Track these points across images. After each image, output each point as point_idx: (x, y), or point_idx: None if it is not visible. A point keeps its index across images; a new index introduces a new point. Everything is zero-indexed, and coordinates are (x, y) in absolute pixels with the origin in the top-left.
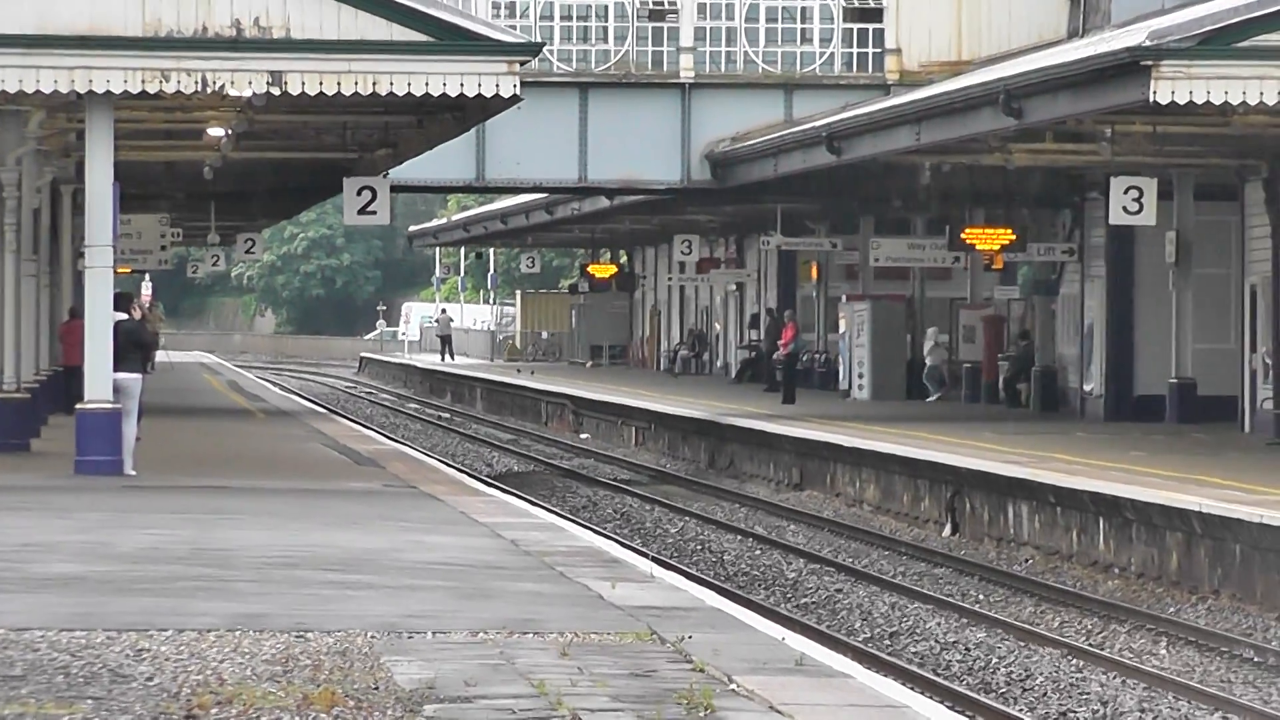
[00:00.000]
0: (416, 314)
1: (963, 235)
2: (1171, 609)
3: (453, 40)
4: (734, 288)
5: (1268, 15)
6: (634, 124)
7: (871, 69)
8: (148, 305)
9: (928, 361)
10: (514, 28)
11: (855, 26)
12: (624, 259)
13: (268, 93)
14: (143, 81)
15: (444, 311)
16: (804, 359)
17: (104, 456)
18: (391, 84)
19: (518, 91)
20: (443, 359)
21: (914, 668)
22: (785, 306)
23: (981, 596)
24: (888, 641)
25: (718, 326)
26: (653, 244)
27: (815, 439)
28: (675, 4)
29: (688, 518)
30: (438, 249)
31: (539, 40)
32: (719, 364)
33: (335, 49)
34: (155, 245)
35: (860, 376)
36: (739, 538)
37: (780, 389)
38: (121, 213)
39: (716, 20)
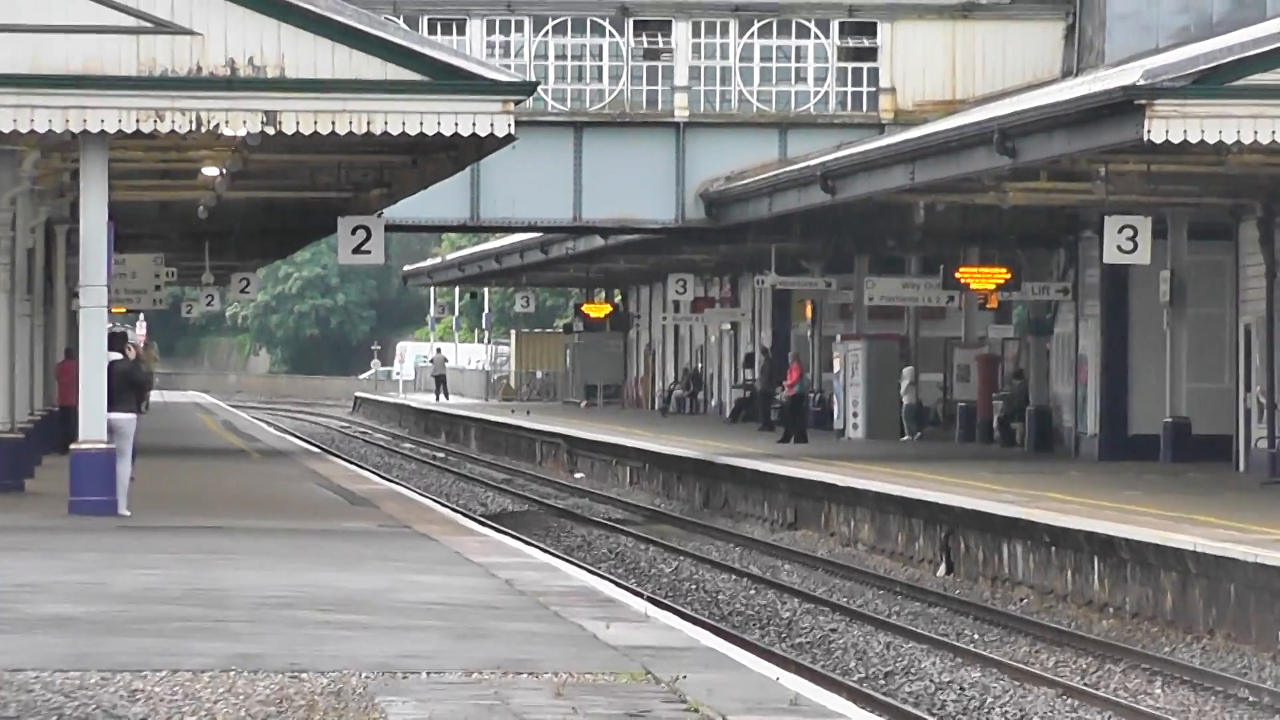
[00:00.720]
0: (411, 354)
1: (957, 274)
2: (1167, 649)
3: (447, 80)
4: (728, 327)
5: (1262, 55)
6: (628, 163)
7: (866, 108)
8: (142, 345)
9: (904, 400)
10: (508, 67)
11: (849, 66)
12: (618, 298)
13: (262, 132)
14: (137, 121)
15: (439, 351)
16: (813, 398)
17: (98, 497)
18: (386, 124)
19: (512, 131)
20: (437, 399)
21: (909, 708)
22: (780, 346)
23: (976, 636)
24: (883, 681)
25: (698, 364)
26: (647, 283)
27: (810, 478)
28: (670, 43)
29: (682, 557)
30: (432, 288)
31: (533, 80)
32: (714, 403)
33: (330, 88)
34: (150, 285)
35: (855, 415)
36: (734, 577)
37: (775, 428)
38: (116, 252)
39: (711, 60)
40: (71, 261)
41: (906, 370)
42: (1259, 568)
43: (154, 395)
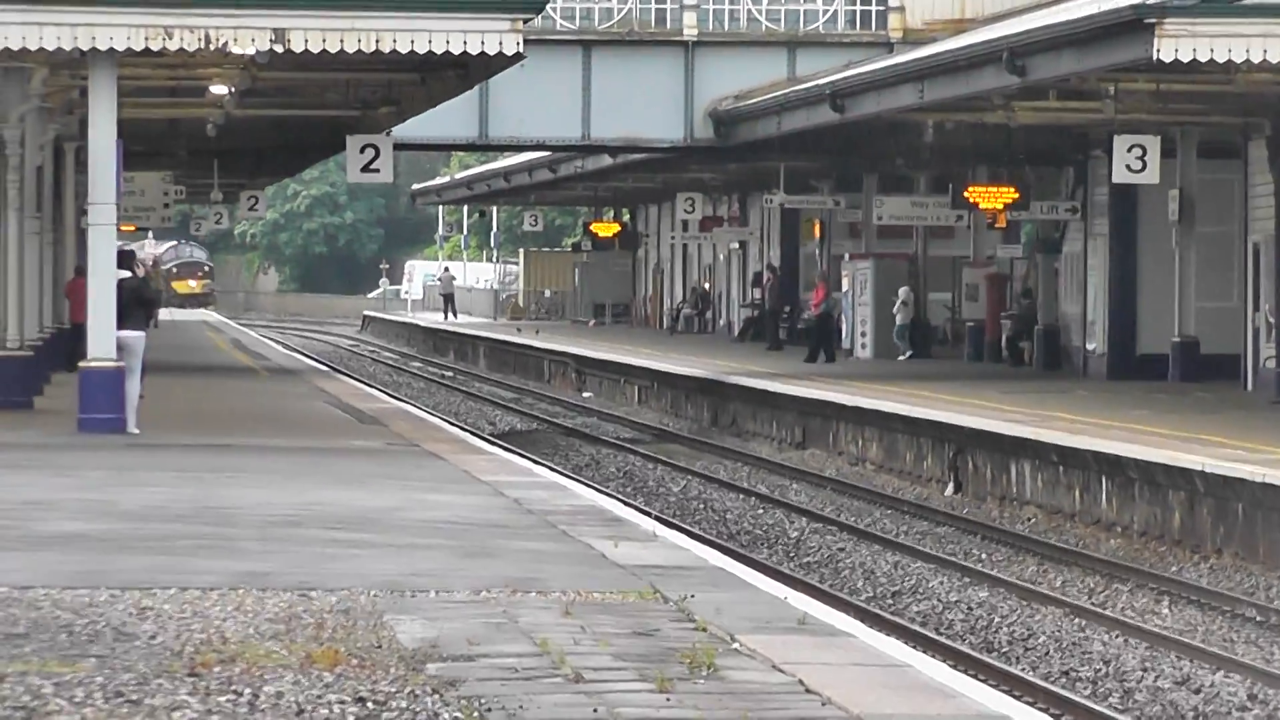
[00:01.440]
0: (419, 272)
1: (966, 194)
2: (1174, 568)
3: None
4: (736, 246)
5: None
6: (637, 82)
7: (875, 27)
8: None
9: (896, 320)
10: None
11: None
12: (627, 217)
13: (271, 50)
14: (146, 38)
15: (446, 270)
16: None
17: (107, 414)
18: (395, 42)
19: (520, 49)
20: (445, 317)
21: (916, 627)
22: (789, 265)
23: (984, 556)
24: (890, 601)
25: (705, 283)
26: (656, 202)
27: (817, 398)
28: None
29: (690, 476)
30: (441, 207)
31: None
32: (722, 322)
33: (339, 6)
34: (158, 203)
35: (863, 335)
36: (741, 496)
37: (784, 347)
38: (125, 170)
39: None
40: (80, 179)
41: (902, 290)
42: (1266, 487)
43: (163, 313)
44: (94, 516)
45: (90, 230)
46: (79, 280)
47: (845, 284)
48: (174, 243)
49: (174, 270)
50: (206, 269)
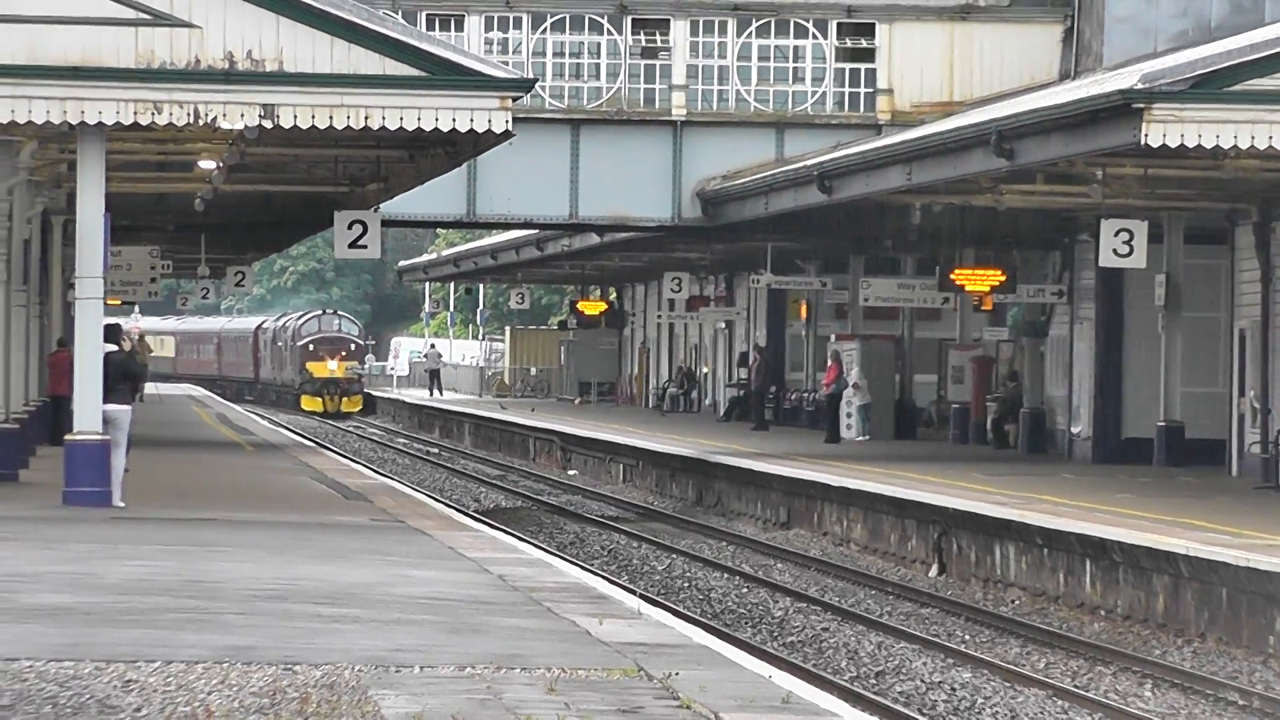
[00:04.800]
0: (405, 349)
1: (952, 276)
2: (1158, 651)
3: (445, 75)
4: (723, 325)
5: (1260, 60)
6: (625, 161)
7: (863, 109)
8: (137, 337)
9: (855, 402)
10: (506, 64)
11: (847, 66)
12: (613, 296)
13: (260, 125)
14: (135, 113)
15: (433, 346)
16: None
17: (93, 488)
18: (384, 118)
19: (509, 127)
20: (430, 394)
21: (900, 707)
22: (775, 345)
23: (968, 636)
24: (874, 680)
25: (705, 368)
26: (642, 281)
27: (803, 478)
28: (668, 42)
29: (675, 555)
30: (427, 284)
31: (531, 77)
32: (707, 401)
33: (328, 83)
34: (145, 277)
35: (849, 416)
36: (726, 575)
37: (769, 427)
38: (112, 244)
39: (708, 58)
40: (68, 252)
41: (854, 371)
42: (1251, 572)
43: (148, 387)
44: (79, 589)
45: (77, 304)
46: (60, 353)
47: (855, 370)
48: (317, 312)
49: (311, 348)
50: (354, 347)
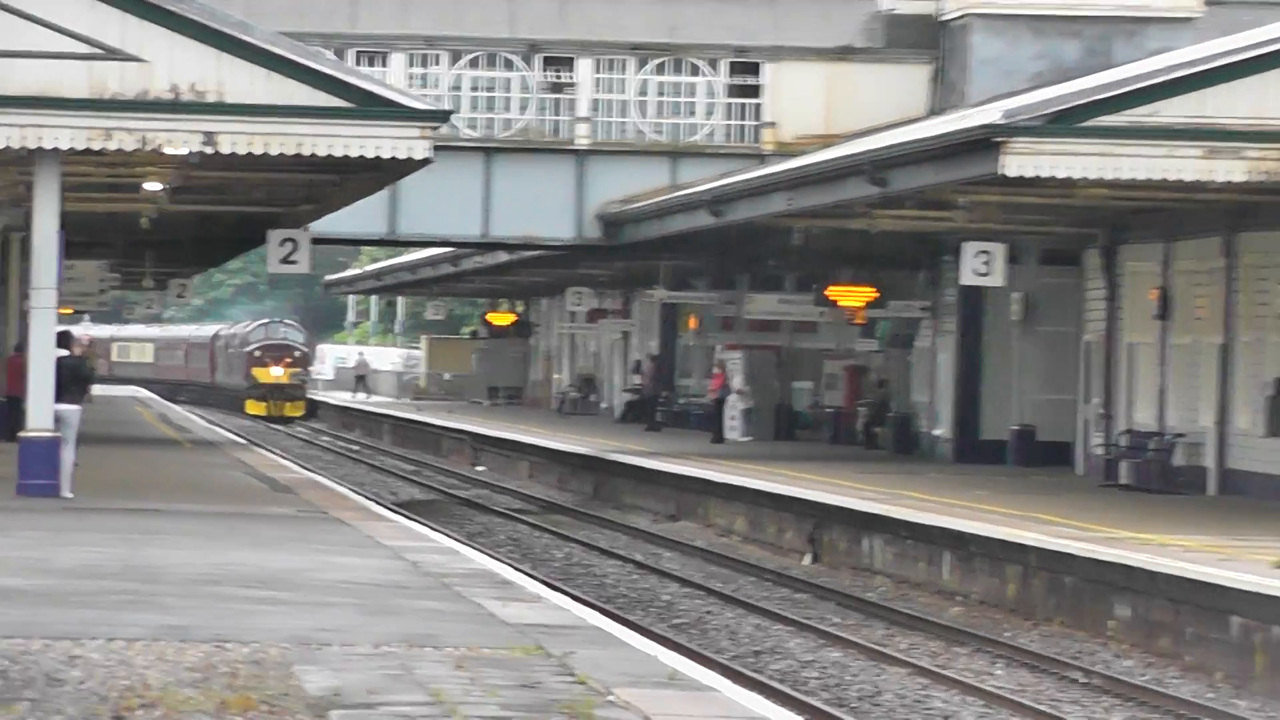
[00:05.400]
0: (331, 355)
1: (828, 292)
2: (1009, 634)
3: (370, 107)
4: (620, 336)
5: (1109, 99)
6: (533, 186)
7: (750, 140)
8: (87, 343)
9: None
10: (426, 97)
11: (736, 101)
12: (521, 308)
13: (201, 152)
14: (88, 139)
15: (361, 355)
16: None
17: (44, 480)
18: (314, 146)
19: (429, 154)
20: (354, 395)
21: (775, 684)
22: (667, 355)
23: (838, 620)
24: (752, 659)
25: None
26: (548, 295)
27: (691, 474)
28: (573, 78)
29: (573, 544)
30: (351, 296)
31: (449, 108)
32: (604, 405)
33: (263, 113)
34: (95, 289)
35: (733, 419)
36: (619, 563)
37: (660, 428)
38: (65, 258)
39: (610, 93)
40: (24, 266)
41: (736, 379)
42: (1093, 562)
43: (96, 389)
44: (30, 573)
45: (32, 313)
46: (16, 357)
47: (739, 378)
48: (264, 320)
49: (257, 354)
50: (298, 354)
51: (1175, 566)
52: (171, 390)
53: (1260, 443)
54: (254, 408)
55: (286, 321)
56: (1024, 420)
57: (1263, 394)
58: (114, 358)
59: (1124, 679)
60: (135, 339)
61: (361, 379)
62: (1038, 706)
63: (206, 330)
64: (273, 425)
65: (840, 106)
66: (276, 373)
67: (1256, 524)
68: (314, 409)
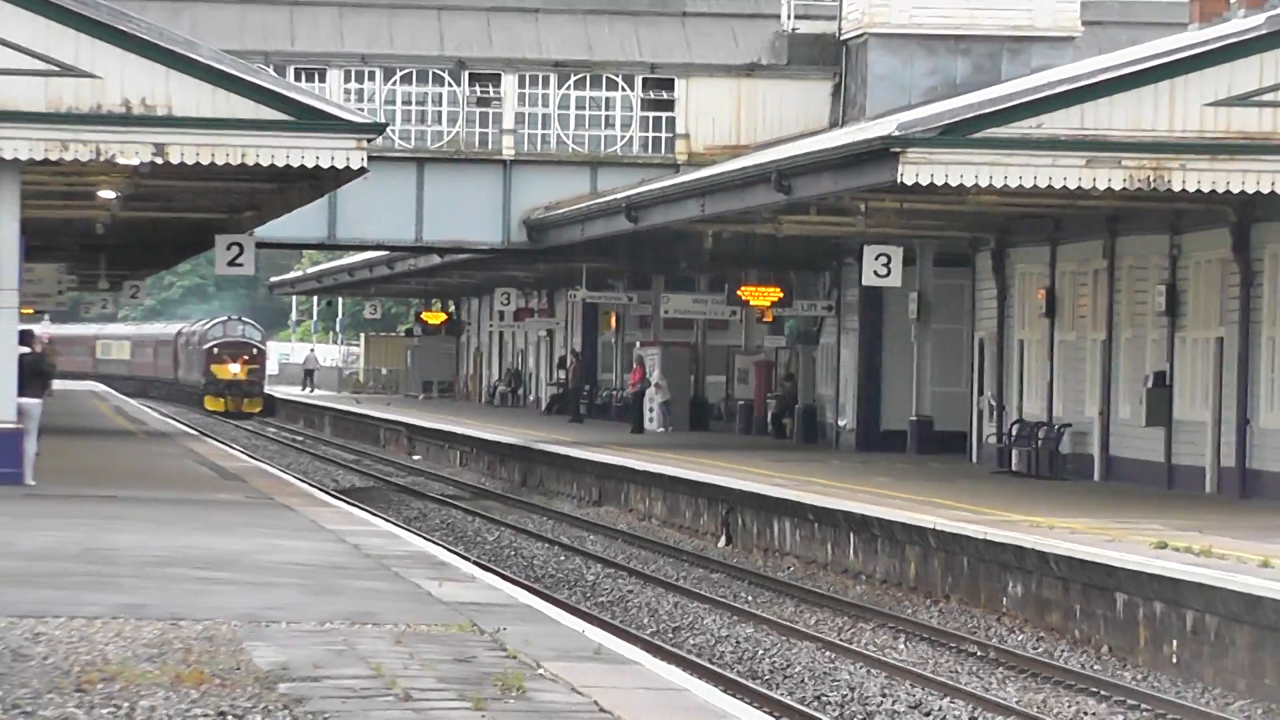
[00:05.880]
0: (275, 352)
1: (739, 292)
2: (910, 610)
3: (309, 120)
4: (545, 333)
5: (997, 112)
6: (462, 193)
7: (664, 151)
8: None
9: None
10: (361, 110)
11: (650, 114)
12: (452, 308)
13: (152, 162)
14: (45, 150)
15: (312, 351)
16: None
17: (7, 469)
18: (257, 156)
19: (364, 164)
20: (302, 389)
21: (693, 657)
22: (589, 350)
23: (750, 597)
24: (671, 635)
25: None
26: (477, 295)
27: (612, 463)
28: (499, 93)
29: (504, 528)
30: (294, 296)
31: (383, 121)
32: (531, 398)
33: (210, 125)
34: (53, 290)
35: (651, 410)
36: (547, 545)
37: (583, 420)
38: (25, 261)
39: (534, 107)
40: None
41: (655, 373)
42: (987, 543)
43: (56, 384)
44: None
45: None
46: None
47: (656, 372)
48: (222, 319)
49: (215, 351)
50: (255, 351)
51: (1064, 547)
52: (143, 386)
53: (1141, 431)
54: (213, 404)
55: (245, 320)
56: (922, 411)
57: (1143, 386)
58: (98, 355)
59: (1017, 652)
60: (116, 337)
61: (310, 373)
62: (937, 678)
63: (172, 329)
64: (216, 415)
65: (748, 119)
66: (234, 369)
67: (1138, 507)
68: (272, 406)
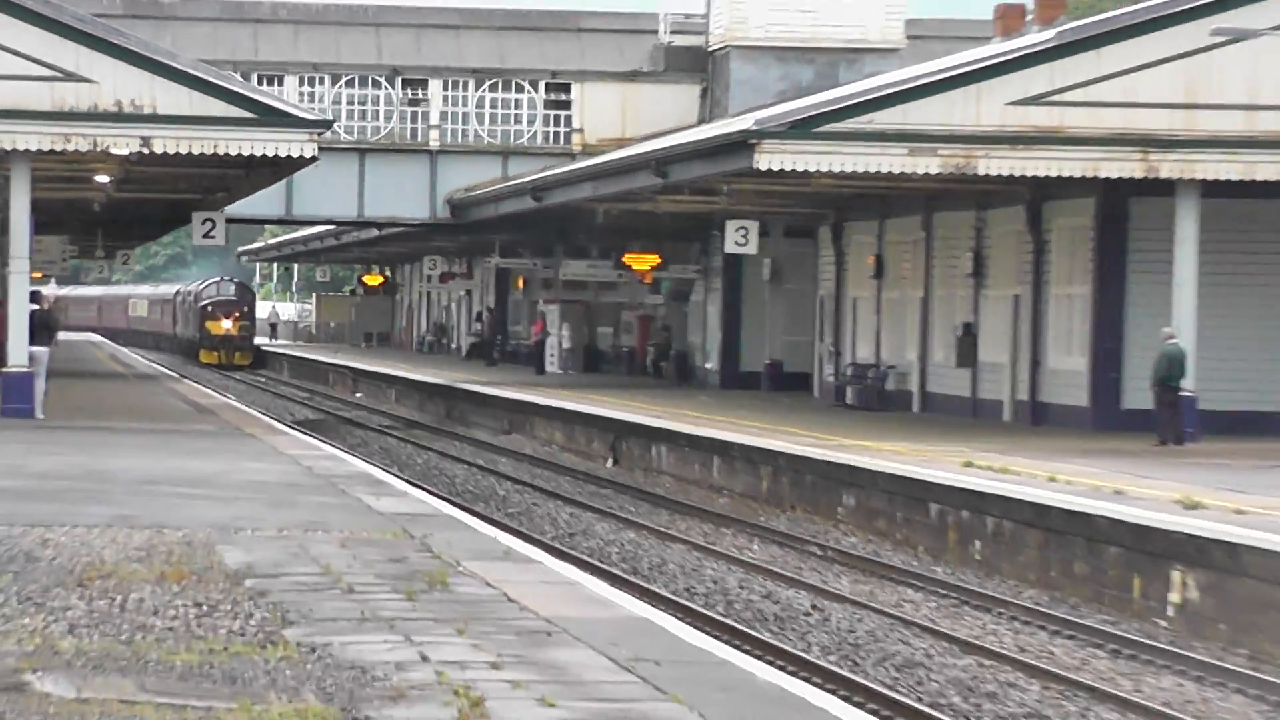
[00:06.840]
0: None
1: (624, 259)
2: (763, 519)
3: (270, 117)
4: (465, 293)
5: (836, 110)
6: (396, 178)
7: (563, 142)
8: (52, 299)
9: (563, 346)
10: (313, 109)
11: (552, 112)
12: (389, 272)
13: (140, 152)
14: (51, 143)
15: (274, 308)
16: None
17: (21, 405)
18: (228, 147)
19: (315, 154)
20: (269, 339)
21: (586, 557)
22: (500, 307)
23: (633, 509)
24: (568, 539)
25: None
26: (409, 262)
27: (521, 399)
28: (427, 95)
29: (430, 452)
30: (259, 263)
31: (331, 118)
32: (453, 346)
33: (187, 122)
34: (58, 258)
35: (552, 356)
36: (466, 467)
37: (498, 365)
38: (35, 235)
39: (456, 106)
40: (2, 241)
41: (565, 326)
42: (826, 463)
43: (61, 334)
44: (11, 476)
45: (11, 276)
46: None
47: (552, 325)
48: (215, 279)
49: (209, 309)
50: (245, 309)
51: (888, 466)
52: (145, 339)
53: (952, 372)
54: (207, 356)
55: (236, 280)
56: (774, 356)
57: (954, 335)
58: (130, 313)
59: (850, 552)
60: (139, 297)
61: (274, 326)
62: (785, 573)
63: (171, 289)
64: (198, 365)
65: (631, 117)
66: (226, 325)
67: (950, 434)
68: (262, 358)
